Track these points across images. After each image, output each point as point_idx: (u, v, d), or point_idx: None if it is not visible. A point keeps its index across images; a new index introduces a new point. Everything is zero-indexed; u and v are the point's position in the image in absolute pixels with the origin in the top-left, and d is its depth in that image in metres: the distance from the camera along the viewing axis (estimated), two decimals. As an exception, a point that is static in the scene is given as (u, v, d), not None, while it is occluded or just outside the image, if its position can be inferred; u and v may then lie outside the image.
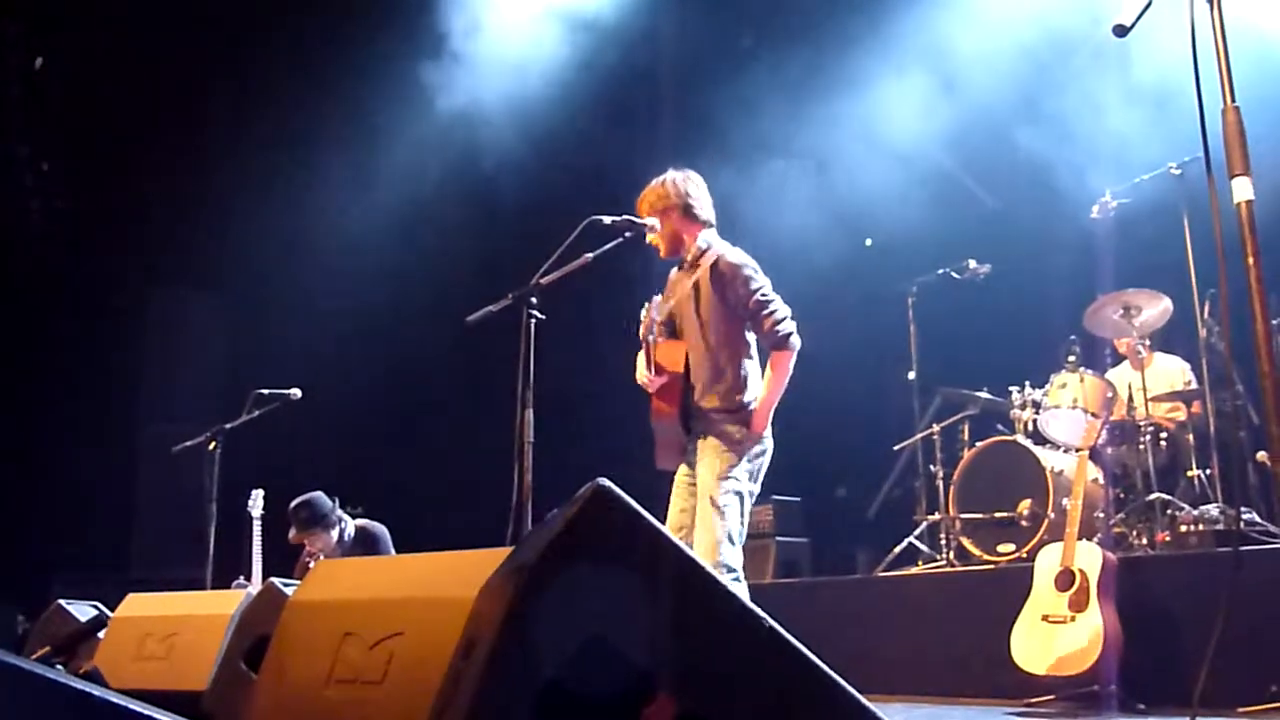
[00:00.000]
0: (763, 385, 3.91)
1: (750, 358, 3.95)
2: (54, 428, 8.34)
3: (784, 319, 3.90)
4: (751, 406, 3.88)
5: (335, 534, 5.67)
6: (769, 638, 1.62)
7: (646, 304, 3.84)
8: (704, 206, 4.07)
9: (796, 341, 3.90)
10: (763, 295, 3.89)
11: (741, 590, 3.77)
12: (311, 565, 5.64)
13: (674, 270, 4.17)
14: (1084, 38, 6.36)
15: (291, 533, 5.66)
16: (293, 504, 5.64)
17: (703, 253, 4.00)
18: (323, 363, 7.32)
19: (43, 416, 8.33)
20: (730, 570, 3.75)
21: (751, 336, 3.95)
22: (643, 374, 3.90)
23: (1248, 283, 2.14)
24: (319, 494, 5.70)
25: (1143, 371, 5.51)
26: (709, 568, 1.65)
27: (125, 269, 8.90)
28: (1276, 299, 5.21)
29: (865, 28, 7.34)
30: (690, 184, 4.06)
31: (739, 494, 3.79)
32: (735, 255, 3.96)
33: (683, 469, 3.95)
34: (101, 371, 8.71)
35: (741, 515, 3.80)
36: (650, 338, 3.81)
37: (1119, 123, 6.17)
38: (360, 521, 5.80)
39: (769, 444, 3.95)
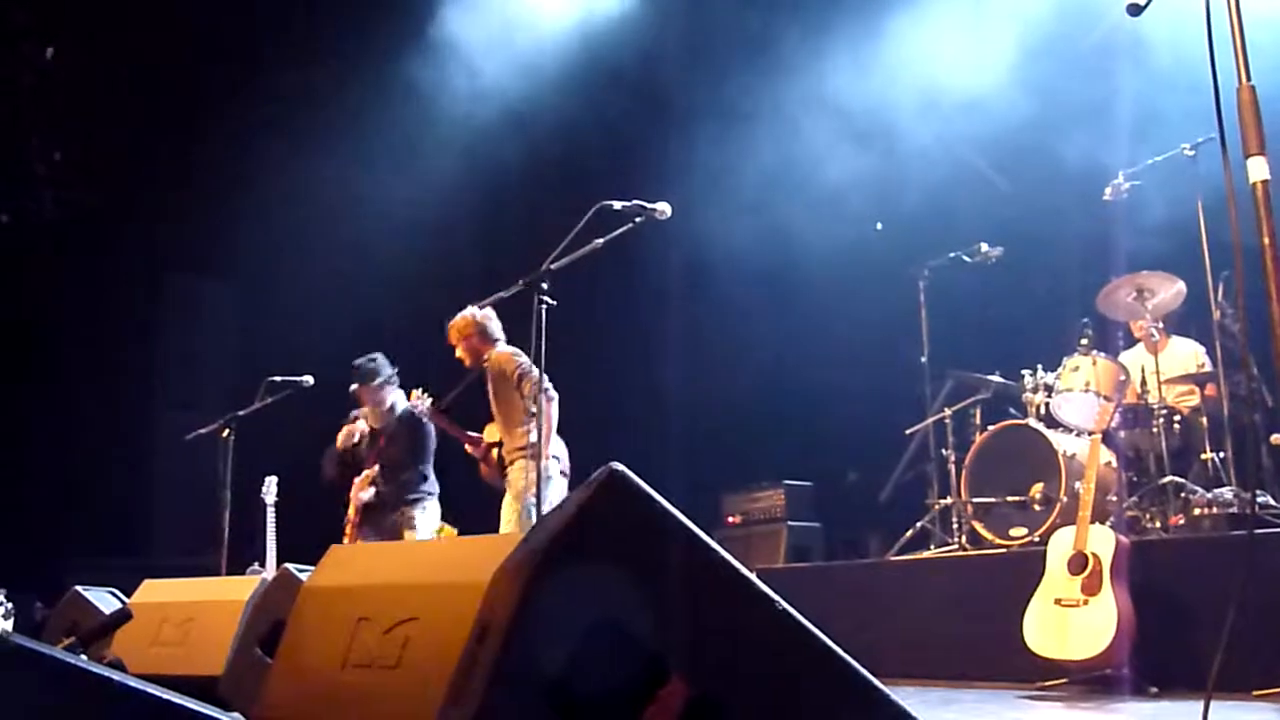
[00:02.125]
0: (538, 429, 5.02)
1: (528, 414, 5.21)
2: (69, 416, 8.38)
3: (537, 379, 4.73)
4: (532, 448, 5.09)
5: (388, 399, 6.09)
6: (782, 621, 1.62)
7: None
8: (495, 330, 5.61)
9: (553, 393, 5.16)
10: (520, 370, 5.35)
11: None
12: (359, 424, 6.16)
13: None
14: (1097, 17, 6.31)
15: (352, 386, 6.10)
16: (358, 360, 6.10)
17: (488, 359, 5.57)
18: (335, 350, 7.33)
19: (57, 405, 8.37)
20: None
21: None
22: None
23: (1263, 264, 2.12)
24: (381, 355, 6.14)
25: (1156, 354, 5.48)
26: (723, 552, 1.65)
27: (138, 258, 8.93)
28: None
29: (874, 10, 7.30)
30: (485, 316, 5.56)
31: (528, 509, 5.06)
32: (504, 350, 5.55)
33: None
34: (116, 360, 8.75)
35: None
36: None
37: (1132, 103, 6.12)
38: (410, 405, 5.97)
39: (554, 473, 5.33)
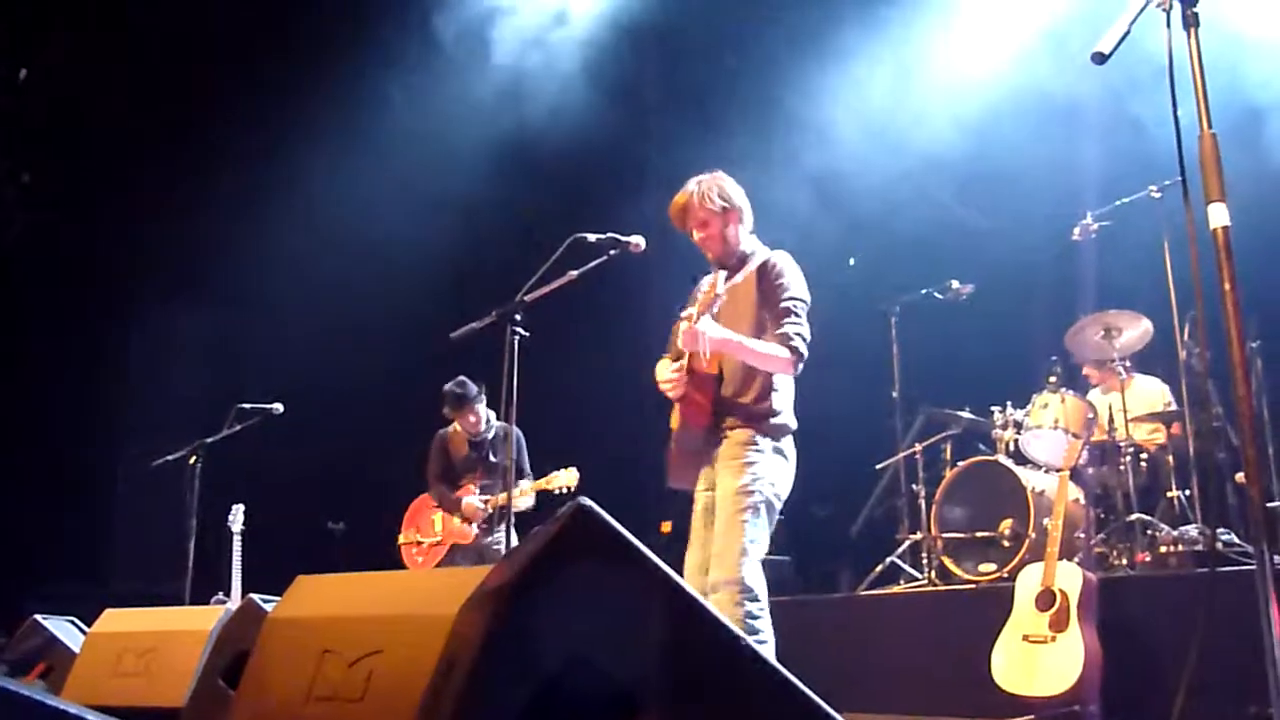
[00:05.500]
0: (757, 351, 3.67)
1: (790, 350, 3.69)
2: (33, 441, 8.28)
3: (800, 334, 3.71)
4: (779, 419, 3.72)
5: (482, 413, 6.23)
6: (749, 658, 1.62)
7: (710, 278, 3.77)
8: (749, 209, 3.92)
9: (800, 354, 3.68)
10: (793, 304, 3.73)
11: (764, 623, 3.57)
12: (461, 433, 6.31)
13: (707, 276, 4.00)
14: (1066, 62, 6.43)
15: (446, 409, 6.24)
16: (446, 386, 6.19)
17: (749, 255, 3.87)
18: (304, 378, 7.30)
19: (22, 429, 8.26)
20: (747, 591, 3.54)
21: None
22: (665, 373, 3.76)
23: (1224, 308, 2.16)
24: (465, 378, 6.18)
25: (1123, 392, 5.55)
26: (690, 589, 1.65)
27: (106, 283, 8.86)
28: (1255, 321, 5.29)
29: (848, 44, 7.39)
30: (731, 185, 3.90)
31: (761, 504, 3.63)
32: (782, 257, 3.85)
33: (702, 496, 3.77)
34: (82, 385, 8.66)
35: (761, 534, 3.65)
36: (705, 317, 3.61)
37: (1101, 145, 6.23)
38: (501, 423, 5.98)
39: (793, 461, 3.79)
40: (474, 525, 6.16)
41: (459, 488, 6.25)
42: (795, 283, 3.79)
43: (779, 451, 3.73)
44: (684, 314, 3.74)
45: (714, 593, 3.58)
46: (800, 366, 3.71)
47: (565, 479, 5.78)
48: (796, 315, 3.72)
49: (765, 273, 3.79)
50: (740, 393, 3.72)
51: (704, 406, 3.71)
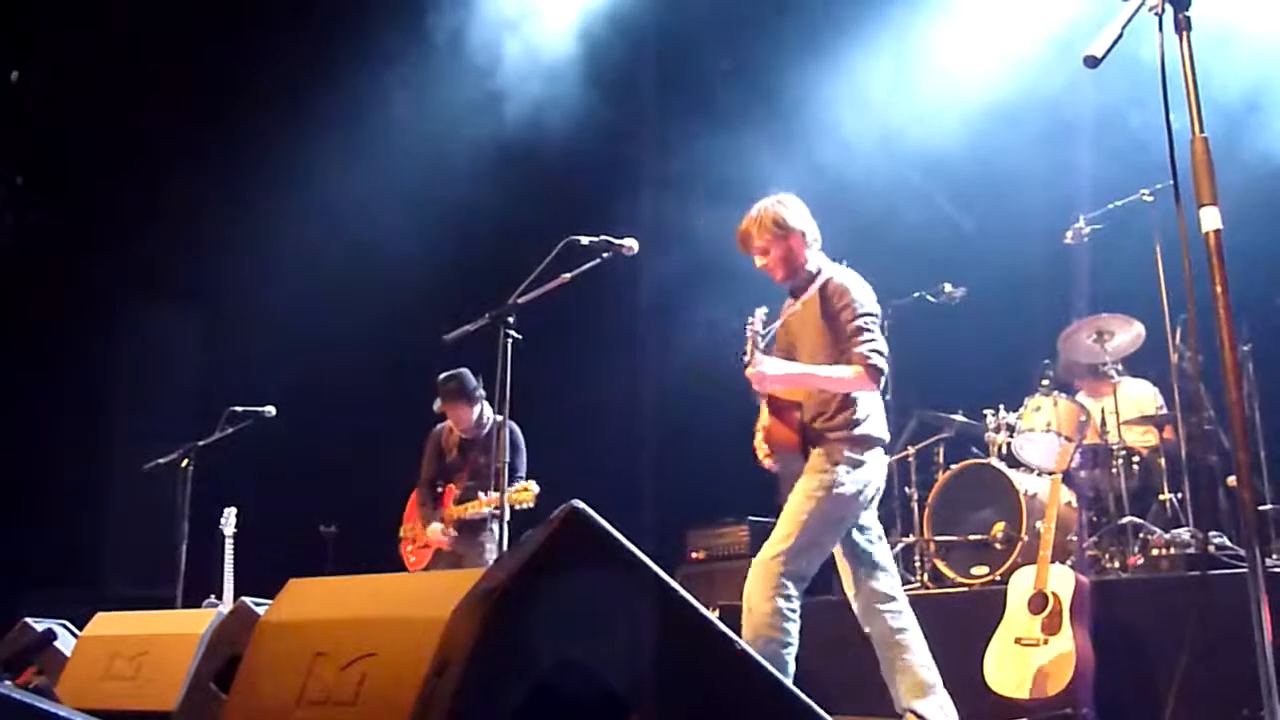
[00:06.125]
0: (821, 375, 3.81)
1: (868, 367, 3.80)
2: (24, 443, 8.25)
3: (876, 350, 3.78)
4: (860, 430, 3.83)
5: (477, 411, 5.92)
6: (740, 661, 1.62)
7: (750, 318, 3.81)
8: (814, 229, 4.02)
9: (879, 370, 3.77)
10: (864, 322, 3.82)
11: (794, 626, 3.66)
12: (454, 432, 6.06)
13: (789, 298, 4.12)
14: (1059, 64, 6.45)
15: (436, 403, 5.95)
16: (442, 376, 5.88)
17: (816, 273, 3.98)
18: (297, 380, 7.29)
19: (13, 431, 8.24)
20: (783, 587, 3.65)
21: None
22: (760, 444, 3.94)
23: (1216, 311, 2.17)
24: (466, 370, 5.89)
25: (1115, 395, 5.56)
26: (682, 591, 1.65)
27: (98, 284, 8.83)
28: (1245, 324, 5.31)
29: (839, 48, 7.40)
30: (795, 208, 4.02)
31: (828, 507, 3.76)
32: (845, 276, 3.95)
33: None
34: (74, 386, 8.63)
35: (820, 536, 3.76)
36: (755, 354, 3.74)
37: (1093, 148, 6.25)
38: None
39: (874, 472, 3.88)
40: (449, 532, 5.99)
41: (445, 488, 6.14)
42: (862, 299, 3.87)
43: (858, 464, 3.83)
44: (744, 358, 3.83)
45: (752, 570, 3.73)
46: (882, 381, 3.83)
47: (523, 496, 5.55)
48: (869, 331, 3.82)
49: (828, 293, 3.90)
50: (818, 415, 3.87)
51: (792, 434, 3.90)
